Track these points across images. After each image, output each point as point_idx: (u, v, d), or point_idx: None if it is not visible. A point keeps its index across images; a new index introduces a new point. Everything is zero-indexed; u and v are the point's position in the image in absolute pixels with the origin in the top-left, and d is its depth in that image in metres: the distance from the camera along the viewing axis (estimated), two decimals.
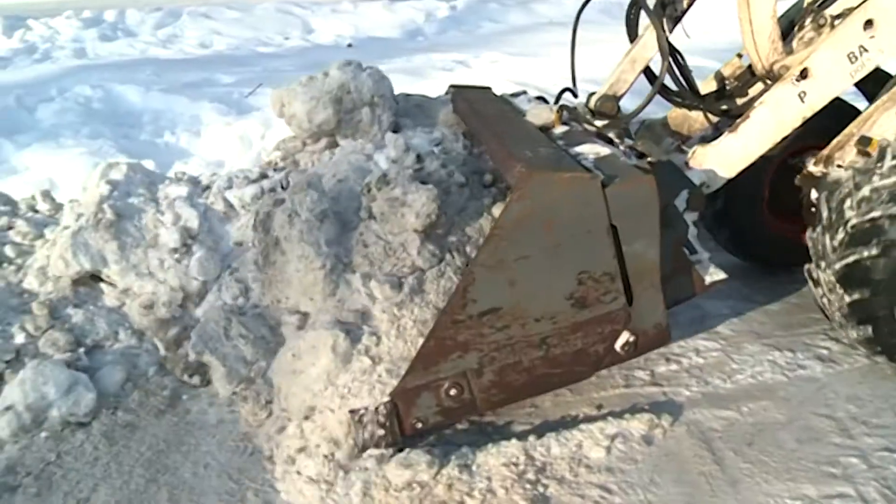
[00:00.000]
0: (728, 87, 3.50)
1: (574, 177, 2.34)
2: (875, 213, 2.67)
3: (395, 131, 3.44)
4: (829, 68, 2.92)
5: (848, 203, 2.76)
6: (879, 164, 2.73)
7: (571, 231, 2.38)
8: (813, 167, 3.06)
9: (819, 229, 2.86)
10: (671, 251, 2.65)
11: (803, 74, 2.93)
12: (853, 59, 2.91)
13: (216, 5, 12.18)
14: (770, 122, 2.97)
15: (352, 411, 2.51)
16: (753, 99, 3.13)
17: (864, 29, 2.88)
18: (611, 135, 2.99)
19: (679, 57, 3.29)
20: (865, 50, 2.90)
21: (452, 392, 2.50)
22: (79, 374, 2.79)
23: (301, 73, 7.15)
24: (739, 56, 3.52)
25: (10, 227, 3.40)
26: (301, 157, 3.67)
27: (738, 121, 3.01)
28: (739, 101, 3.38)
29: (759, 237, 3.68)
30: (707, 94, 3.48)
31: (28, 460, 2.56)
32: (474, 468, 2.48)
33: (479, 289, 2.38)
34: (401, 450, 2.46)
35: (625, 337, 2.58)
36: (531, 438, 2.61)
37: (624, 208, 2.40)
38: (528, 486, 2.44)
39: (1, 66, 8.71)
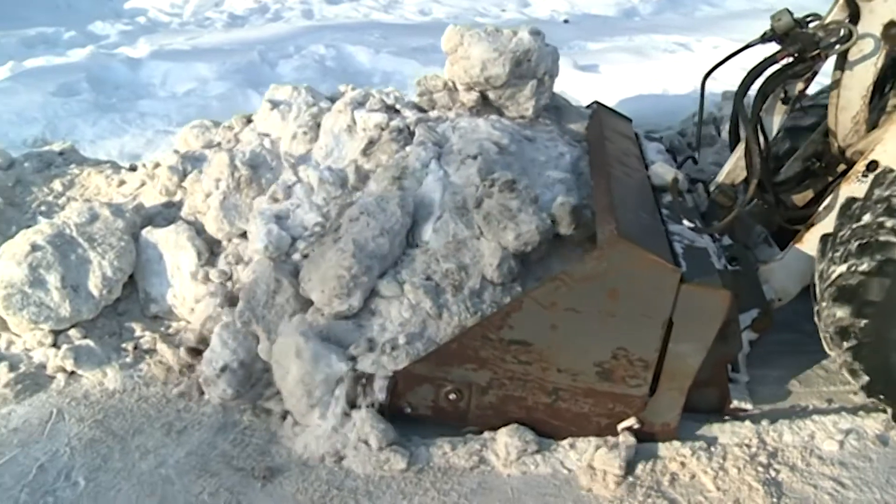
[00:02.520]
0: (810, 170, 3.29)
1: (657, 262, 2.31)
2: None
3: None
4: None
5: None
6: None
7: (630, 308, 2.36)
8: None
9: None
10: (714, 364, 2.57)
11: (871, 167, 2.67)
12: None
13: None
14: None
15: (354, 370, 2.56)
16: (820, 195, 2.97)
17: None
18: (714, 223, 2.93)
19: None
20: None
21: (451, 396, 2.56)
22: None
23: None
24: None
25: None
26: (439, 100, 3.60)
27: (803, 230, 2.85)
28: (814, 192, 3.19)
29: None
30: (789, 179, 3.31)
31: None
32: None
33: (521, 319, 2.42)
34: None
35: (630, 422, 2.54)
36: (764, 423, 2.62)
37: (689, 310, 2.34)
38: (760, 468, 2.46)
39: (240, 24, 9.27)
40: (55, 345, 2.98)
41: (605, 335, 2.42)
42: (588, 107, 3.94)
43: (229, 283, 3.11)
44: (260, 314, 2.86)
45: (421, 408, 2.59)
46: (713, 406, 2.73)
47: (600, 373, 2.48)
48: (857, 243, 2.45)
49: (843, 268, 2.47)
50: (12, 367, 2.89)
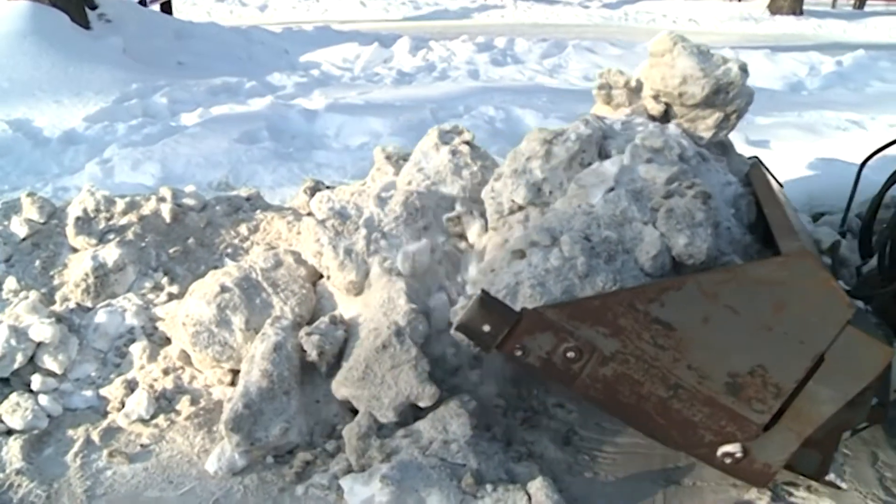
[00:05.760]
0: None
1: (836, 290, 2.16)
2: None
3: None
4: None
5: None
6: None
7: (790, 328, 2.21)
8: None
9: None
10: (832, 428, 2.38)
11: None
12: None
13: (599, 40, 12.47)
14: None
15: (484, 291, 2.39)
16: None
17: None
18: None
19: None
20: None
21: (569, 354, 2.37)
22: None
23: None
24: None
25: None
26: (616, 97, 3.58)
27: None
28: None
29: None
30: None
31: None
32: None
33: (676, 300, 2.27)
34: None
35: (734, 448, 2.37)
36: None
37: (846, 354, 2.19)
38: None
39: (408, 81, 9.58)
40: (233, 384, 3.08)
41: (752, 347, 2.27)
42: (749, 158, 3.86)
43: None
44: None
45: (532, 356, 2.41)
46: (809, 471, 2.54)
47: (730, 384, 2.31)
48: None
49: None
50: (193, 401, 3.01)
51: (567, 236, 2.78)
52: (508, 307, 2.43)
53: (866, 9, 27.03)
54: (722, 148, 3.71)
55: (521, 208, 3.18)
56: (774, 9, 23.40)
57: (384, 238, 3.16)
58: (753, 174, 3.55)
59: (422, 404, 2.72)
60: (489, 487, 2.45)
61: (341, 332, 2.91)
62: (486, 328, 2.38)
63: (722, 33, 18.69)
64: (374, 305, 2.94)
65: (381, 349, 2.74)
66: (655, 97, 3.50)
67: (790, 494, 2.64)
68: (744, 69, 3.39)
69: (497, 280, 2.80)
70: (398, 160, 3.91)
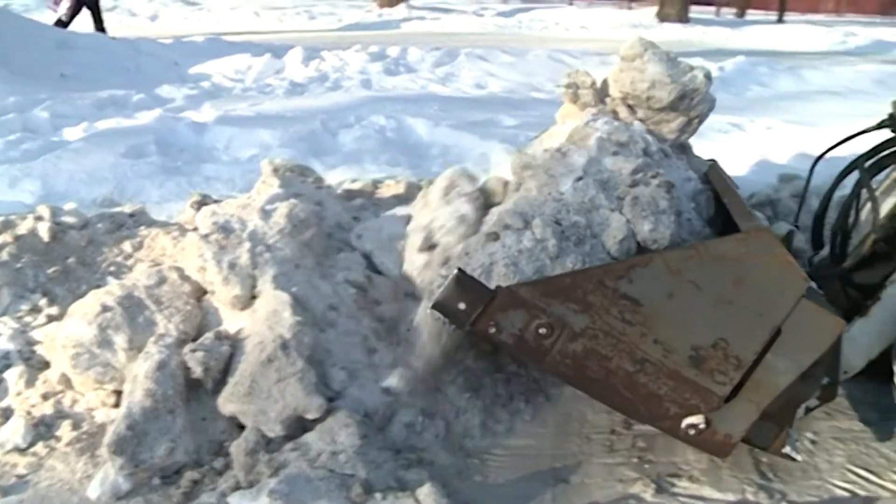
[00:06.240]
0: (877, 252, 3.22)
1: (792, 264, 2.31)
2: None
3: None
4: None
5: None
6: None
7: (749, 302, 2.33)
8: None
9: None
10: (786, 402, 2.52)
11: None
12: None
13: (490, 48, 12.66)
14: None
15: (461, 270, 2.46)
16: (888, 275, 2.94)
17: None
18: None
19: None
20: None
21: (541, 331, 2.42)
22: None
23: None
24: None
25: None
26: (583, 96, 3.71)
27: (870, 302, 2.86)
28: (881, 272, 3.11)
29: None
30: (860, 260, 3.21)
31: None
32: None
33: (643, 276, 2.36)
34: None
35: (697, 419, 2.47)
36: None
37: (800, 326, 2.33)
38: None
39: (300, 92, 9.53)
40: (117, 405, 3.00)
41: (715, 321, 2.37)
42: (708, 161, 4.07)
43: None
44: None
45: (505, 333, 2.45)
46: (765, 444, 2.66)
47: (693, 357, 2.40)
48: None
49: None
50: (75, 426, 2.92)
51: (539, 220, 2.90)
52: (483, 285, 2.48)
53: (747, 17, 28.29)
54: (682, 149, 3.90)
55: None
56: (662, 16, 24.31)
57: (269, 251, 3.14)
58: (711, 174, 3.74)
59: (309, 416, 2.72)
60: (378, 496, 2.47)
61: (226, 348, 2.88)
62: (462, 306, 2.42)
63: (612, 40, 19.14)
64: (259, 319, 2.92)
65: (267, 363, 2.73)
66: (623, 99, 3.66)
67: (673, 486, 2.74)
68: (708, 77, 3.61)
69: (472, 260, 2.89)
70: (285, 172, 3.89)
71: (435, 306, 2.50)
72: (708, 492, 2.72)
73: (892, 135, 3.11)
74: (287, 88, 9.79)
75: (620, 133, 3.37)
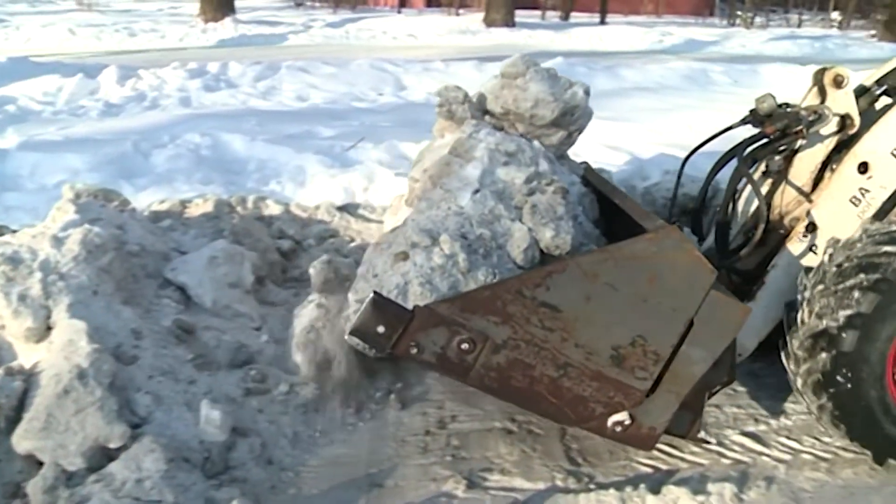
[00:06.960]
0: (750, 239, 3.44)
1: (700, 259, 2.44)
2: None
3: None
4: (836, 216, 3.00)
5: None
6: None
7: (663, 298, 2.45)
8: None
9: None
10: (698, 389, 2.67)
11: (810, 228, 3.02)
12: (857, 203, 2.99)
13: (313, 60, 12.64)
14: (786, 283, 3.04)
15: (376, 293, 2.48)
16: (766, 260, 3.21)
17: (861, 173, 2.98)
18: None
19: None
20: (867, 191, 2.98)
21: (463, 346, 2.47)
22: None
23: (398, 129, 7.41)
24: None
25: None
26: (457, 111, 3.76)
27: (756, 288, 3.12)
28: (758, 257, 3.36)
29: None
30: (737, 248, 3.48)
31: None
32: None
33: (560, 283, 2.44)
34: None
35: (622, 417, 2.61)
36: (628, 489, 2.72)
37: (711, 315, 2.47)
38: None
39: (115, 113, 9.20)
40: None
41: (632, 319, 2.48)
42: (581, 163, 4.19)
43: None
44: None
45: (427, 352, 2.48)
46: (682, 431, 2.81)
47: (614, 357, 2.50)
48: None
49: (816, 321, 2.71)
50: None
51: (446, 235, 2.92)
52: (401, 306, 2.49)
53: (572, 20, 29.51)
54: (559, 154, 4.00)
55: None
56: (489, 22, 25.02)
57: (62, 279, 3.09)
58: (589, 175, 3.89)
59: (112, 445, 2.68)
60: None
61: (19, 383, 2.79)
62: (381, 329, 2.42)
63: (439, 46, 19.55)
64: (55, 350, 2.86)
65: (64, 394, 2.67)
66: (505, 115, 3.73)
67: (485, 480, 2.87)
68: (587, 92, 3.73)
69: (385, 282, 2.88)
70: (86, 197, 3.82)
71: (353, 332, 2.48)
72: (519, 482, 2.84)
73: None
74: (101, 110, 9.41)
75: (508, 143, 3.45)
